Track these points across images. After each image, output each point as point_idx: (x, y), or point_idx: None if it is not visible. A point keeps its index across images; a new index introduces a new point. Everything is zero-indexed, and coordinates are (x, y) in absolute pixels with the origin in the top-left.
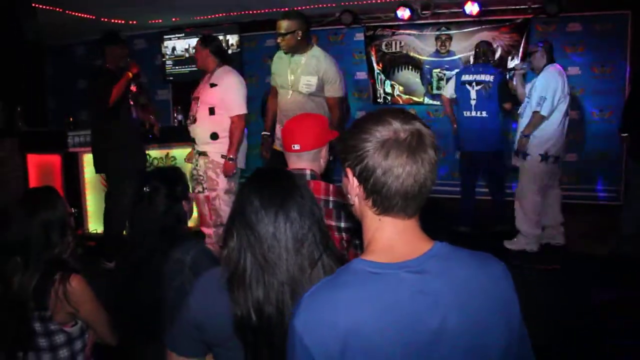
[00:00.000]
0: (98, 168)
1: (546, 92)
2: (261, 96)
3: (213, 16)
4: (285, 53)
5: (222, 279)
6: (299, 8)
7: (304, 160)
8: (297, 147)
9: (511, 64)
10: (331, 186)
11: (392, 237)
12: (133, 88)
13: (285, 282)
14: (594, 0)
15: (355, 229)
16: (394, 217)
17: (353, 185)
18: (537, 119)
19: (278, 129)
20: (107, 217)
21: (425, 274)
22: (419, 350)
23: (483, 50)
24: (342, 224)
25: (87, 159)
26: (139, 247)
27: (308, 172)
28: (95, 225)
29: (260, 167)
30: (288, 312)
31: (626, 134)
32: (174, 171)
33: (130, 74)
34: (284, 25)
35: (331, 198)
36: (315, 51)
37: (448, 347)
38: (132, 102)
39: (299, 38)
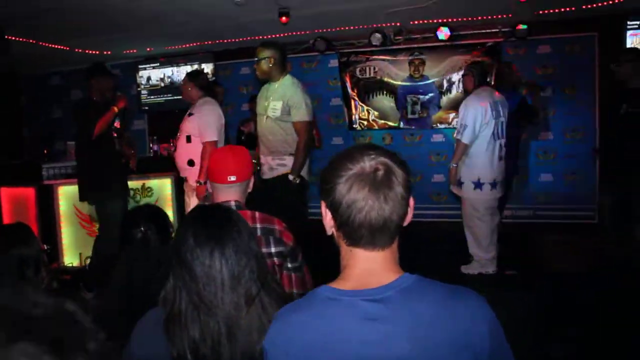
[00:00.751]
0: (81, 197)
1: (466, 120)
2: (237, 124)
3: (187, 45)
4: (260, 79)
5: (161, 319)
6: (273, 36)
7: (234, 192)
8: (233, 178)
9: None
10: (257, 214)
11: (362, 267)
12: (117, 124)
13: (220, 321)
14: (562, 23)
15: (288, 252)
16: (363, 249)
17: (327, 217)
18: (460, 147)
19: (262, 157)
20: (96, 245)
21: (382, 304)
22: None
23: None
24: (273, 249)
25: (63, 192)
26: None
27: (233, 203)
28: (70, 258)
29: (200, 204)
30: (224, 351)
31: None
32: (157, 208)
33: (116, 109)
34: (258, 52)
35: (258, 225)
36: (287, 79)
37: None
38: (115, 135)
39: (270, 65)
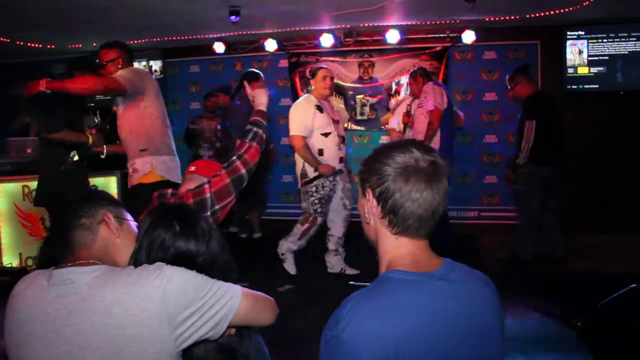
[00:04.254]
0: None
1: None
2: (185, 122)
3: (135, 42)
4: None
5: None
6: (223, 34)
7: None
8: (192, 168)
9: None
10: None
11: (414, 253)
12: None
13: None
14: (507, 30)
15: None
16: (410, 237)
17: (371, 205)
18: None
19: None
20: (44, 248)
21: (452, 283)
22: (456, 351)
23: None
24: (208, 212)
25: (2, 189)
26: None
27: (169, 191)
28: (10, 258)
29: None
30: None
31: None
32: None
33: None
34: (103, 54)
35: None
36: None
37: (471, 347)
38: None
39: (120, 66)
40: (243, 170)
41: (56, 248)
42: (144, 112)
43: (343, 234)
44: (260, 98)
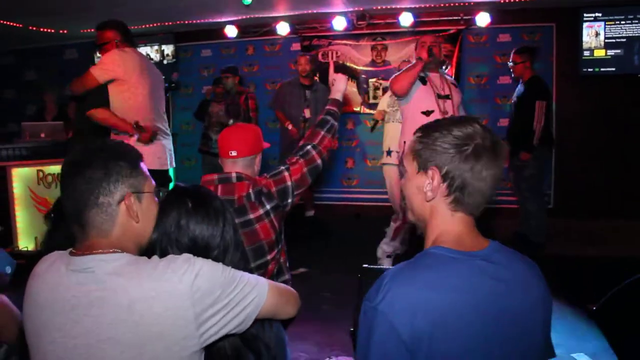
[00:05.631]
0: None
1: None
2: (198, 104)
3: (148, 26)
4: None
5: None
6: (238, 18)
7: (239, 167)
8: (234, 153)
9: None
10: (248, 182)
11: (462, 231)
12: None
13: None
14: (522, 12)
15: (277, 205)
16: (466, 214)
17: (435, 183)
18: None
19: None
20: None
21: (495, 264)
22: (493, 332)
23: None
24: (268, 207)
25: (17, 174)
26: None
27: (234, 174)
28: (25, 242)
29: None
30: None
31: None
32: None
33: None
34: (99, 35)
35: (251, 191)
36: None
37: (509, 329)
38: None
39: (115, 48)
40: (319, 161)
41: (66, 233)
42: (123, 96)
43: None
44: (339, 84)
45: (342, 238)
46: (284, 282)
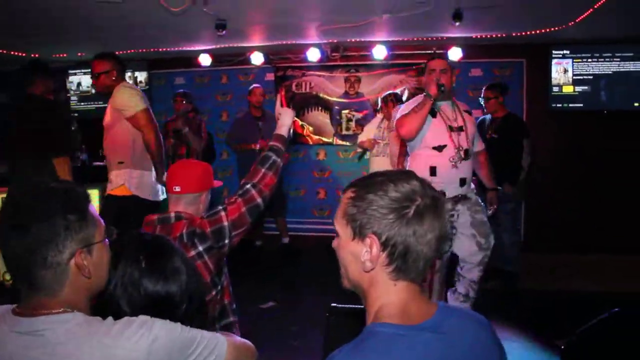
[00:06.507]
0: None
1: None
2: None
3: (121, 52)
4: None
5: None
6: (209, 47)
7: (182, 204)
8: (177, 188)
9: None
10: (186, 220)
11: (407, 301)
12: None
13: None
14: (493, 47)
15: (211, 246)
16: (409, 281)
17: (374, 252)
18: None
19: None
20: None
21: (446, 334)
22: None
23: None
24: (200, 248)
25: None
26: None
27: (173, 214)
28: None
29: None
30: None
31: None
32: None
33: None
34: (96, 65)
35: (184, 231)
36: (121, 86)
37: None
38: None
39: (114, 78)
40: (259, 200)
41: (15, 285)
42: (130, 127)
43: (480, 279)
44: (285, 118)
45: (312, 270)
46: (229, 324)
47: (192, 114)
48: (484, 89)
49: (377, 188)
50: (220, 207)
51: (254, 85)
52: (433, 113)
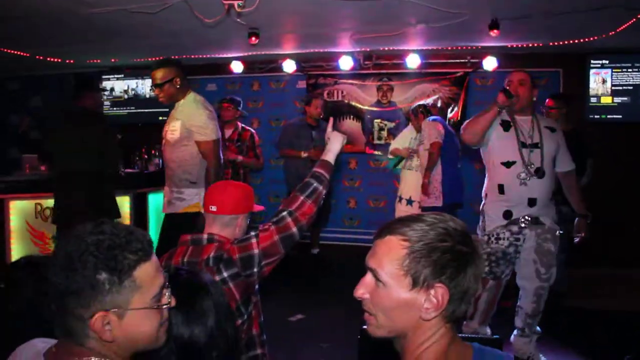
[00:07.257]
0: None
1: None
2: None
3: (153, 58)
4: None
5: None
6: (242, 54)
7: (217, 225)
8: (213, 208)
9: (450, 115)
10: (218, 243)
11: (449, 344)
12: None
13: None
14: (529, 57)
15: (238, 273)
16: (453, 323)
17: (443, 301)
18: None
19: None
20: None
21: None
22: None
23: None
24: (225, 274)
25: (15, 206)
26: None
27: (205, 236)
28: None
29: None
30: None
31: None
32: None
33: None
34: (156, 74)
35: (211, 255)
36: (189, 97)
37: None
38: None
39: (178, 86)
40: (294, 229)
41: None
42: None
43: (535, 312)
44: (334, 144)
45: (342, 280)
46: (255, 356)
47: (241, 124)
48: (547, 98)
49: (430, 235)
50: (252, 234)
51: (314, 95)
52: (506, 127)
